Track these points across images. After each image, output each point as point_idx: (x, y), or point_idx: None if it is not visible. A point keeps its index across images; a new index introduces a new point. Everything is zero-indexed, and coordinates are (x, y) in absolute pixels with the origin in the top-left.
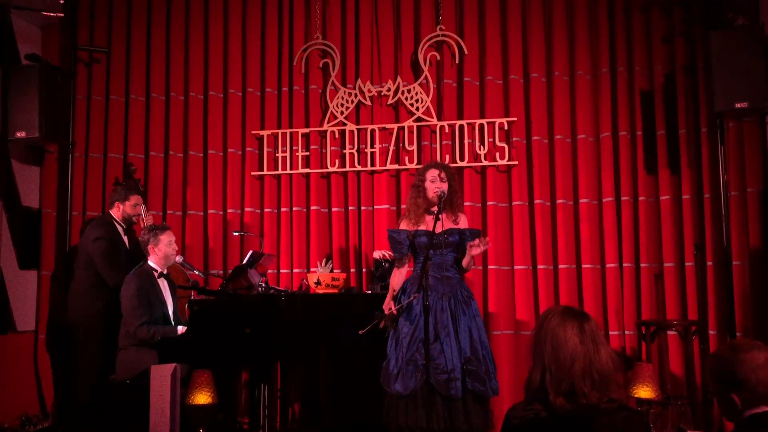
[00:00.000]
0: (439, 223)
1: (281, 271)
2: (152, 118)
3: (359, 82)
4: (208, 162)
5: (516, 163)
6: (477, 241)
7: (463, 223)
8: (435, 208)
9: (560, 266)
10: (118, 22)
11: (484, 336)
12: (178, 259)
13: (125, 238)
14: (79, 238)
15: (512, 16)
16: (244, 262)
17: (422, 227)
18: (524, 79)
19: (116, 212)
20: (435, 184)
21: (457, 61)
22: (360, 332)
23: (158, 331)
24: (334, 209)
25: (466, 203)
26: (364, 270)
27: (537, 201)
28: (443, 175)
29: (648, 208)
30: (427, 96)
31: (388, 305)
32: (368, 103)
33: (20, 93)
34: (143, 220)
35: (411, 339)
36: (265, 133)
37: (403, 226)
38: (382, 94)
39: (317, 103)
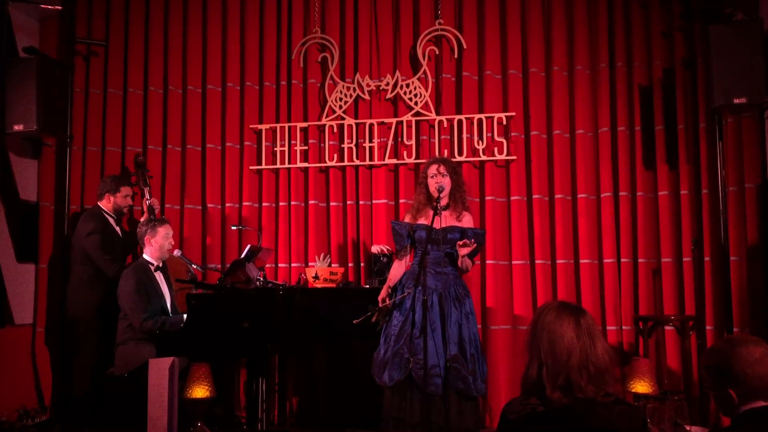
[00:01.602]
0: (440, 219)
1: (279, 265)
2: (150, 112)
3: (358, 76)
4: (207, 156)
5: (514, 158)
6: (464, 240)
7: (467, 222)
8: (435, 203)
9: (558, 261)
10: (116, 15)
11: (476, 335)
12: (177, 252)
13: (117, 229)
14: (73, 231)
15: (511, 11)
16: (243, 256)
17: (423, 220)
18: (523, 73)
19: (106, 204)
20: (435, 179)
21: (455, 56)
22: (354, 322)
23: (166, 322)
24: (332, 203)
25: None
26: (362, 264)
27: (535, 196)
28: (442, 168)
29: (646, 203)
30: (426, 90)
31: (383, 297)
32: (367, 97)
33: (18, 86)
34: (147, 205)
35: (400, 332)
36: (263, 127)
37: (407, 220)
38: (381, 88)
39: (316, 97)
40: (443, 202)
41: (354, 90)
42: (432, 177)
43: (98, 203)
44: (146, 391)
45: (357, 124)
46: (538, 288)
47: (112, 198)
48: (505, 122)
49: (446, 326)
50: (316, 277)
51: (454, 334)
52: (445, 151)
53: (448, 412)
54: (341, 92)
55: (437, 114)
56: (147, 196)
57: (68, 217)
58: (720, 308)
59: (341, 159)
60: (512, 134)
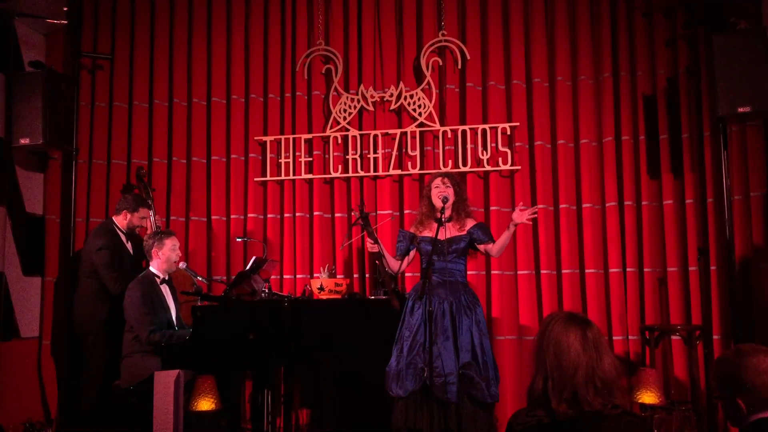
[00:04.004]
0: (444, 230)
1: (284, 276)
2: (156, 125)
3: (362, 87)
4: (212, 168)
5: (519, 168)
6: (520, 209)
7: (470, 226)
8: (439, 214)
9: (563, 271)
10: (122, 29)
11: (487, 342)
12: (182, 265)
13: (128, 245)
14: (83, 244)
15: (514, 21)
16: (248, 267)
17: (427, 233)
18: (527, 84)
19: (121, 220)
20: (439, 190)
21: (459, 67)
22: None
23: (173, 335)
24: (337, 215)
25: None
26: (367, 276)
27: (540, 206)
28: (446, 181)
29: (651, 212)
30: (430, 101)
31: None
32: (371, 108)
33: (24, 100)
34: (151, 225)
35: (412, 343)
36: (268, 138)
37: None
38: (385, 99)
39: (320, 108)
40: (447, 213)
41: (358, 101)
42: (436, 188)
43: (113, 218)
44: (152, 403)
45: (361, 135)
46: (543, 298)
47: (129, 216)
48: (509, 132)
49: (458, 334)
50: (321, 289)
51: (467, 342)
52: (450, 162)
53: (462, 420)
54: (345, 104)
55: (441, 125)
56: (151, 211)
57: (74, 230)
58: (727, 317)
59: (346, 170)
60: (516, 144)
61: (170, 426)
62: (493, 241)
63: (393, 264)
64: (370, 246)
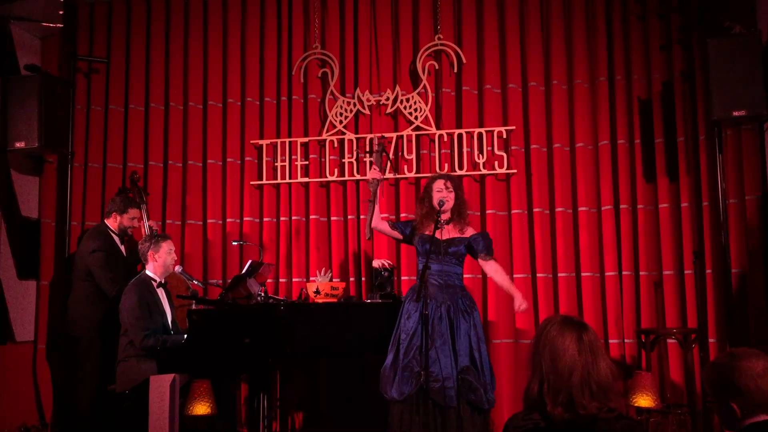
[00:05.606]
0: (441, 232)
1: (280, 280)
2: (151, 128)
3: (358, 91)
4: (207, 171)
5: (515, 171)
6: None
7: (470, 234)
8: (437, 216)
9: (559, 274)
10: (118, 32)
11: (484, 347)
12: (177, 268)
13: (122, 248)
14: (76, 248)
15: (510, 25)
16: (244, 271)
17: (425, 233)
18: (522, 87)
19: (112, 223)
20: (441, 194)
21: (455, 70)
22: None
23: (167, 340)
24: (333, 218)
25: None
26: (363, 279)
27: (536, 209)
28: (449, 184)
29: (647, 216)
30: (426, 105)
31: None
32: (367, 112)
33: (20, 103)
34: (145, 229)
35: (408, 346)
36: (264, 142)
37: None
38: (381, 103)
39: (316, 112)
40: (445, 216)
41: (354, 105)
42: (438, 192)
43: (105, 221)
44: (147, 408)
45: (357, 138)
46: (539, 301)
47: (119, 218)
48: (505, 136)
49: (456, 338)
50: (317, 292)
51: (465, 346)
52: (446, 165)
53: (461, 424)
54: (341, 107)
55: (437, 128)
56: (144, 215)
57: (69, 234)
58: (722, 321)
59: (342, 174)
60: (512, 148)
61: (166, 430)
62: (493, 258)
63: (377, 219)
64: (372, 172)
